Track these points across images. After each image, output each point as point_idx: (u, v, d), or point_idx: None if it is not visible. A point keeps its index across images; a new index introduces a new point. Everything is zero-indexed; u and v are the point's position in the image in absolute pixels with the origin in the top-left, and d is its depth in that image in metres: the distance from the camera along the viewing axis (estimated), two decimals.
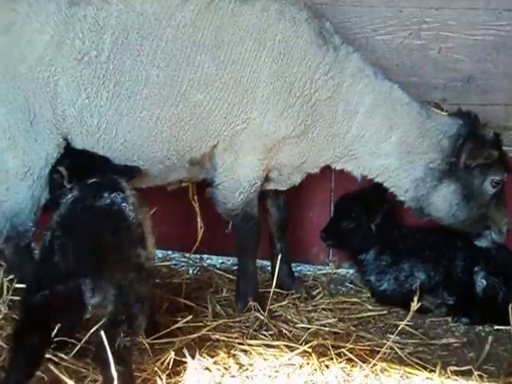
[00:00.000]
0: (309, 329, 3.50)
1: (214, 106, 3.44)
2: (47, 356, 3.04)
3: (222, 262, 4.43)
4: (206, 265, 4.34)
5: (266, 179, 3.74)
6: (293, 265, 4.14)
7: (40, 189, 3.46)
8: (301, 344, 3.28)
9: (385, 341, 3.37)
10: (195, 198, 4.02)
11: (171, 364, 3.03)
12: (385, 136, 3.62)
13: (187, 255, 4.32)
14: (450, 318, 3.79)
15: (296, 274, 4.18)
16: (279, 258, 3.80)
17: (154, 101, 3.40)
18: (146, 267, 2.86)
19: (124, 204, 2.89)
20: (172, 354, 3.03)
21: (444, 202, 3.69)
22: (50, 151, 3.46)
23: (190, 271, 4.23)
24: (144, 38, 3.37)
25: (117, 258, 2.75)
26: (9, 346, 2.80)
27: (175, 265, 4.36)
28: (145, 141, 3.48)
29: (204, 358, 3.10)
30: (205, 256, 4.43)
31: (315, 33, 3.51)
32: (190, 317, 3.43)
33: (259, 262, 3.92)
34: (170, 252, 4.50)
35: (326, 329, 3.55)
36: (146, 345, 3.16)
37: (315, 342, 3.28)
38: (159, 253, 4.48)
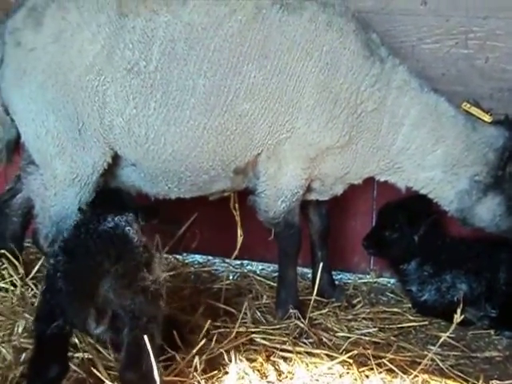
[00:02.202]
0: (349, 338, 3.48)
1: (260, 116, 3.45)
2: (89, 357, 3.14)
3: (263, 269, 4.44)
4: (246, 271, 4.35)
5: (308, 189, 3.73)
6: (333, 273, 4.13)
7: (87, 195, 3.50)
8: (341, 353, 3.27)
9: (426, 352, 3.34)
10: (236, 206, 4.04)
11: (208, 368, 3.06)
12: (430, 149, 3.60)
13: (227, 261, 4.34)
14: (492, 331, 3.74)
15: (336, 282, 4.17)
16: (320, 266, 3.81)
17: (200, 110, 3.41)
18: (152, 290, 2.82)
19: (128, 228, 2.84)
20: (197, 359, 3.05)
21: (488, 213, 3.67)
22: (97, 159, 3.50)
23: (231, 277, 4.24)
24: (191, 48, 3.38)
25: (123, 282, 2.72)
26: (26, 376, 2.81)
27: (216, 270, 4.38)
28: (192, 151, 3.49)
29: (243, 363, 3.11)
30: (245, 262, 4.45)
31: (362, 44, 3.51)
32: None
33: (299, 270, 3.90)
34: (210, 257, 4.53)
35: (367, 338, 3.53)
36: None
37: (355, 352, 3.26)
38: (199, 258, 4.54)
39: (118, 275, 2.69)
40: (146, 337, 2.69)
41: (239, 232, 4.02)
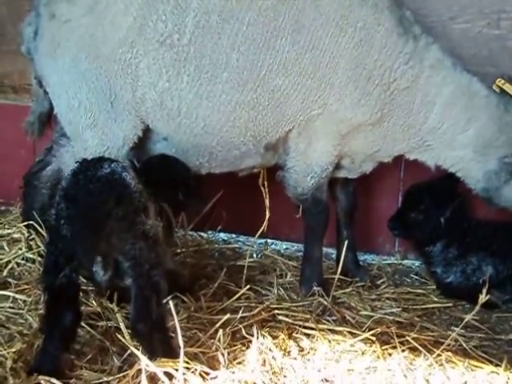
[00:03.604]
0: (372, 316, 3.49)
1: (292, 91, 3.45)
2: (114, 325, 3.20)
3: (287, 248, 4.46)
4: (270, 249, 4.37)
5: (337, 167, 3.74)
6: (358, 254, 4.12)
7: None
8: (364, 331, 3.27)
9: (449, 333, 3.32)
10: (265, 183, 4.01)
11: (231, 342, 3.09)
12: (462, 128, 3.59)
13: (252, 239, 4.32)
14: None
15: (361, 263, 4.16)
16: (345, 244, 3.82)
17: (233, 85, 3.42)
18: (151, 236, 2.85)
19: (125, 173, 2.84)
20: (221, 332, 3.07)
21: None
22: (128, 132, 3.53)
23: (255, 255, 4.26)
24: (225, 22, 3.37)
25: (123, 225, 2.73)
26: (40, 328, 2.86)
27: (240, 248, 4.40)
28: (223, 125, 3.50)
29: (265, 338, 3.12)
30: (270, 241, 4.46)
31: (396, 21, 3.49)
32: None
33: (324, 249, 3.90)
34: (234, 235, 4.55)
35: (390, 318, 3.53)
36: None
37: (379, 330, 3.26)
38: (224, 235, 4.56)
39: (119, 218, 2.71)
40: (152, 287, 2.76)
41: (267, 209, 4.01)
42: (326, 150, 3.60)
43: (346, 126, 3.55)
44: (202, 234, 4.48)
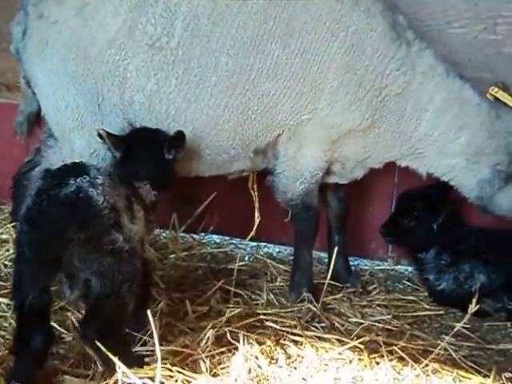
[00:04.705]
0: (362, 324, 3.45)
1: (282, 95, 3.41)
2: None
3: (279, 251, 4.43)
4: (262, 253, 4.33)
5: (328, 172, 3.71)
6: (350, 259, 4.10)
7: None
8: (352, 339, 3.23)
9: (439, 341, 3.28)
10: (255, 187, 3.98)
11: (216, 346, 3.05)
12: (454, 136, 3.56)
13: (245, 242, 4.32)
14: (509, 324, 3.69)
15: (353, 268, 4.14)
16: (336, 250, 3.78)
17: (222, 88, 3.38)
18: (127, 249, 2.77)
19: (91, 189, 2.71)
20: (210, 333, 3.05)
21: (509, 203, 3.64)
22: None
23: (246, 258, 4.23)
24: (214, 25, 3.34)
25: (87, 248, 2.65)
26: (10, 349, 2.77)
27: (232, 251, 4.37)
28: (212, 129, 3.46)
29: (252, 345, 3.07)
30: (262, 244, 4.42)
31: (389, 26, 3.45)
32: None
33: (316, 254, 3.89)
34: (227, 238, 4.52)
35: (380, 325, 3.49)
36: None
37: (367, 338, 3.22)
38: (216, 238, 4.52)
39: (82, 242, 2.63)
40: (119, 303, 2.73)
41: (256, 213, 3.97)
42: (316, 156, 3.56)
43: (337, 131, 3.52)
44: (194, 236, 4.44)
